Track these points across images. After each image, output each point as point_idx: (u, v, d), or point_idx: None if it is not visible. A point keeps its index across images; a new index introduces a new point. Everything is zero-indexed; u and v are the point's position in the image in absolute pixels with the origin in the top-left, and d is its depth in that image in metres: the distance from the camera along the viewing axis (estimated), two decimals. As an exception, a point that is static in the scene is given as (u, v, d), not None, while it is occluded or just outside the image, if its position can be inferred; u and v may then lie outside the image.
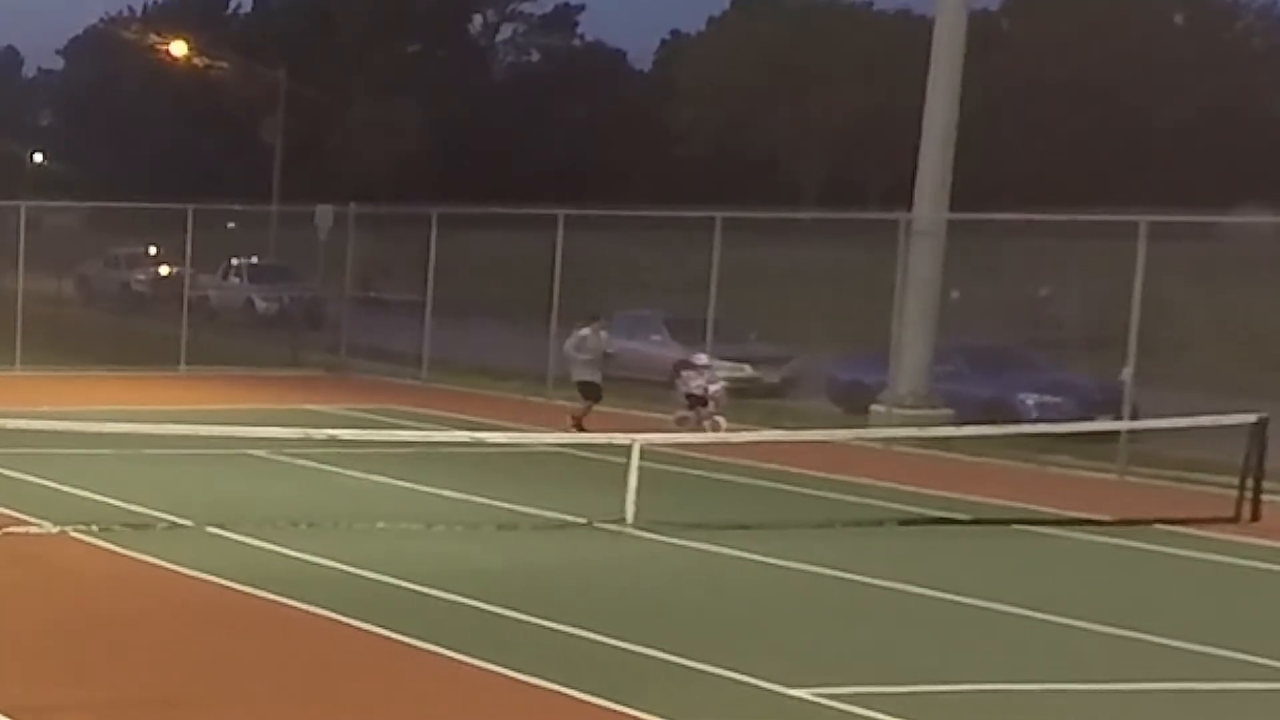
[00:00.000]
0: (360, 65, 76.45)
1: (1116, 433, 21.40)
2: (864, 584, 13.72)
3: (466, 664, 10.64)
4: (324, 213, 36.34)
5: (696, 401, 23.65)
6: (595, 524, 15.92)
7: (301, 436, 17.15)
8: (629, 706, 9.71)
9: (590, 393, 24.20)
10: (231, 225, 47.28)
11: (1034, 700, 10.38)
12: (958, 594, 13.29)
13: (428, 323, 31.63)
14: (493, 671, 10.44)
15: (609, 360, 25.02)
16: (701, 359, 24.36)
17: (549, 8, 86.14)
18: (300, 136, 60.66)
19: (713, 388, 23.92)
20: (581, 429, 22.61)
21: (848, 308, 29.93)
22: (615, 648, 11.15)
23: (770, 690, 10.20)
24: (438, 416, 24.50)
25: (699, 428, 22.87)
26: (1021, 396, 25.29)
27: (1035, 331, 31.27)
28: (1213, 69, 60.15)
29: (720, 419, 23.30)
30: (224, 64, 67.04)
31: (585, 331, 24.55)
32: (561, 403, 28.23)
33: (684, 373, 24.31)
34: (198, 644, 11.13)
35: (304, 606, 12.02)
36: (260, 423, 19.31)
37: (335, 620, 11.70)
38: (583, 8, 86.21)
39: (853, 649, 11.54)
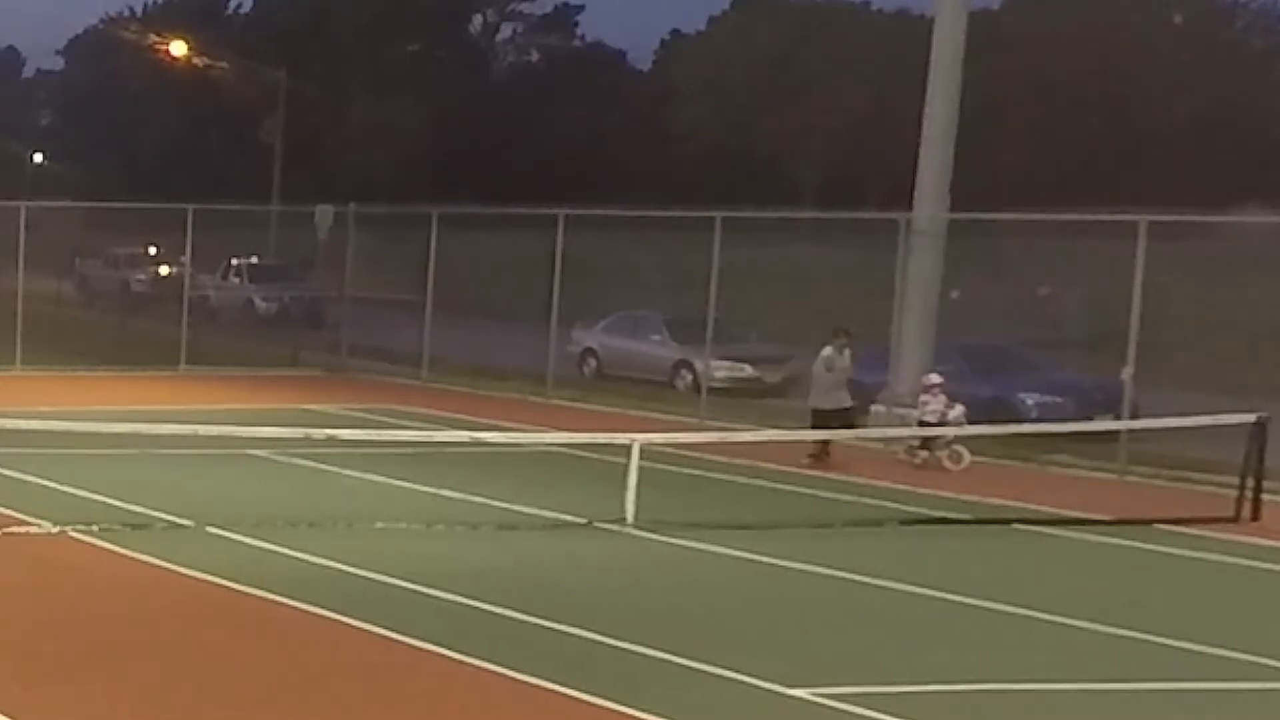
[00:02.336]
0: (360, 65, 76.46)
1: (1116, 432, 21.42)
2: (864, 584, 13.73)
3: (466, 664, 10.64)
4: (324, 213, 36.37)
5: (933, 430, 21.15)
6: (595, 524, 15.93)
7: (301, 436, 17.17)
8: (629, 706, 9.70)
9: (830, 420, 21.13)
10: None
11: (1034, 700, 10.38)
12: (958, 594, 13.29)
13: (428, 323, 31.64)
14: (493, 671, 10.44)
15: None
16: (935, 379, 21.65)
17: (549, 8, 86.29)
18: (300, 136, 60.69)
19: (952, 413, 21.16)
20: (817, 457, 20.84)
21: (848, 308, 29.91)
22: (615, 648, 11.15)
23: (770, 690, 10.20)
24: (438, 416, 24.50)
25: (932, 460, 21.00)
26: (1021, 396, 25.30)
27: (1035, 331, 31.28)
28: (1213, 69, 60.09)
29: (962, 449, 20.97)
30: (224, 64, 67.07)
31: (829, 351, 21.74)
32: (560, 402, 28.30)
33: (921, 396, 21.67)
34: (197, 644, 11.12)
35: (304, 606, 12.02)
36: (260, 423, 19.31)
37: (334, 620, 11.70)
38: (582, 8, 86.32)
39: (853, 649, 11.54)
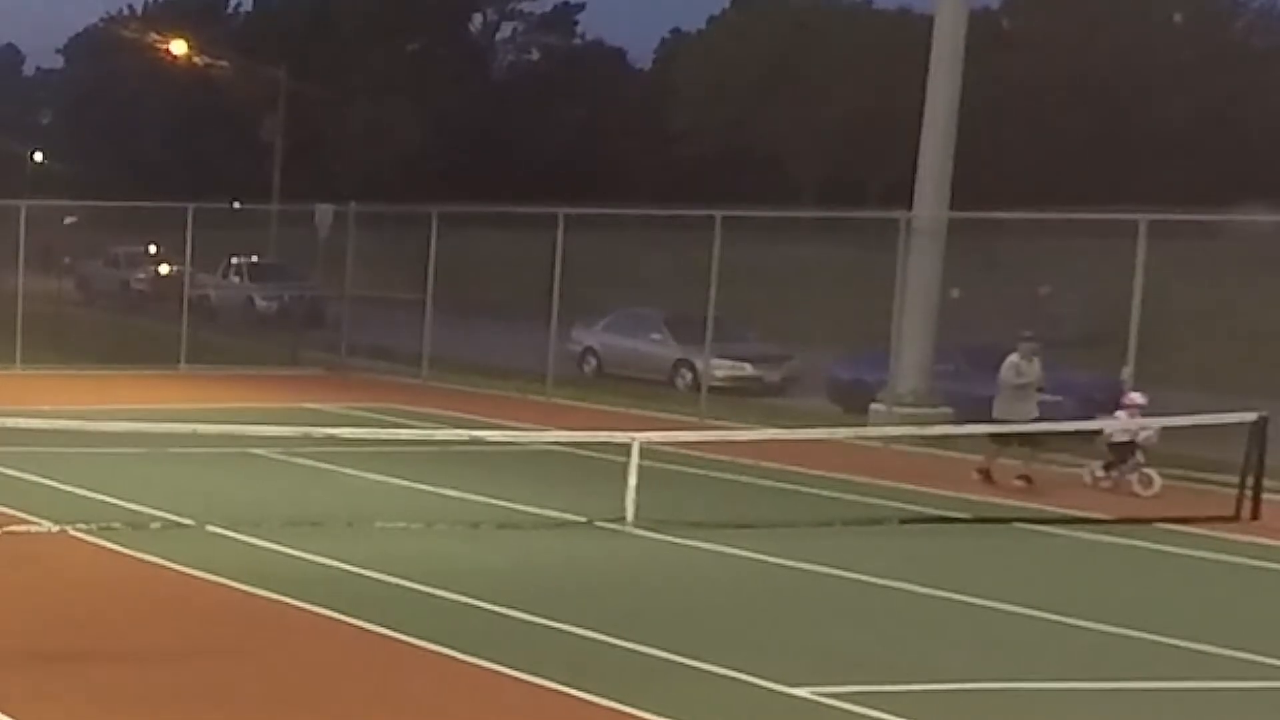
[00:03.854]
0: (360, 64, 76.46)
1: (1116, 432, 21.37)
2: (864, 583, 13.72)
3: (467, 663, 10.64)
4: (324, 212, 36.37)
5: (1124, 452, 19.70)
6: (595, 523, 15.92)
7: (301, 436, 17.19)
8: (630, 706, 9.71)
9: (1012, 435, 19.67)
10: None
11: (1034, 700, 10.38)
12: (958, 594, 13.29)
13: (428, 322, 31.64)
14: (493, 671, 10.44)
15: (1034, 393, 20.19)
16: (1137, 398, 19.76)
17: (549, 7, 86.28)
18: (300, 136, 60.67)
19: (1144, 434, 19.58)
20: (988, 475, 19.62)
21: (848, 307, 29.93)
22: (615, 647, 11.15)
23: (771, 690, 10.20)
24: (438, 416, 24.49)
25: (1123, 484, 19.60)
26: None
27: (1035, 331, 31.22)
28: (1213, 69, 60.10)
29: (1153, 473, 19.40)
30: (224, 63, 67.06)
31: (1014, 358, 20.03)
32: (560, 401, 28.30)
33: (1116, 414, 19.83)
34: (197, 643, 11.12)
35: (304, 606, 12.03)
36: (260, 422, 19.32)
37: (335, 619, 11.70)
38: (583, 7, 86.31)
39: (853, 649, 11.54)
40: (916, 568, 14.20)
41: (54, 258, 45.82)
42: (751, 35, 67.76)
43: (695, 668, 10.64)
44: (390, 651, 10.95)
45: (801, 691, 10.13)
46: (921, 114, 25.17)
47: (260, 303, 44.36)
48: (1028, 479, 19.58)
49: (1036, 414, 19.90)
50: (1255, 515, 17.61)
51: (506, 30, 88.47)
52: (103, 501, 16.15)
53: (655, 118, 70.68)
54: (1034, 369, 20.03)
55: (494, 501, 17.01)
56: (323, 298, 38.89)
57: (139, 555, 13.73)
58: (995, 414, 19.90)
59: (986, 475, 19.77)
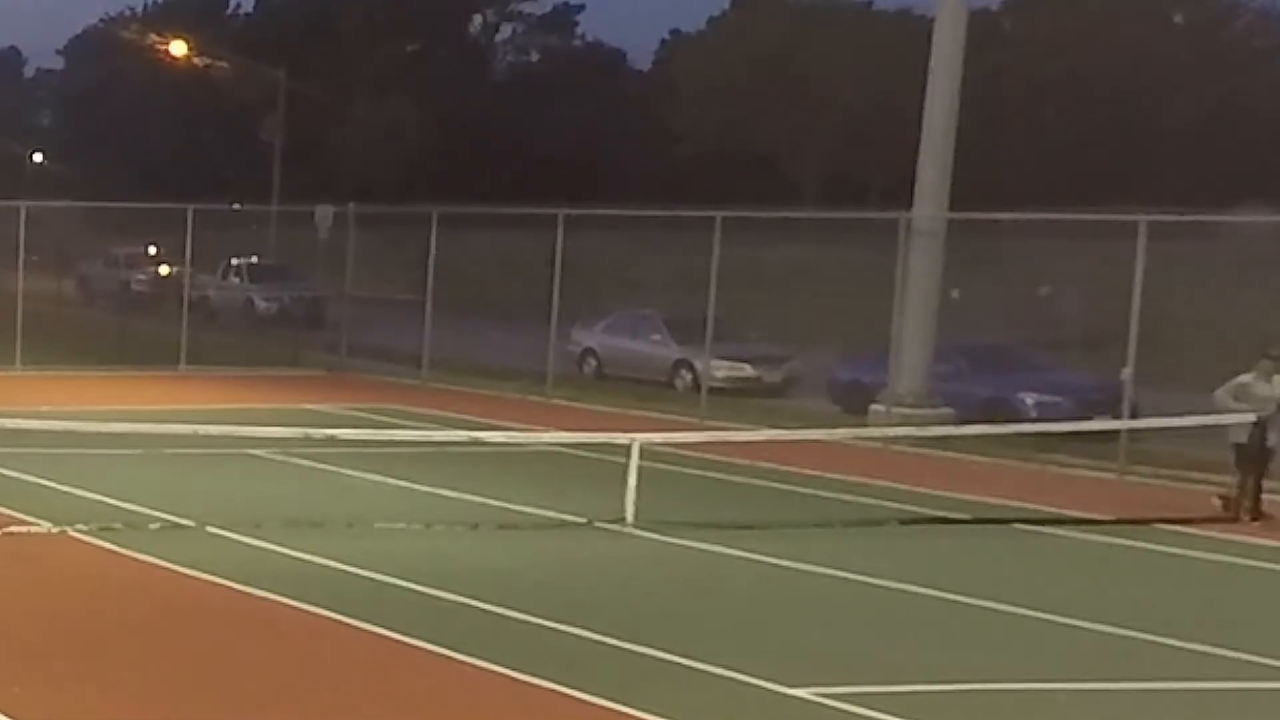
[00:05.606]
0: (360, 65, 76.50)
1: (1116, 432, 21.41)
2: (864, 584, 13.72)
3: (466, 664, 10.64)
4: (324, 212, 36.37)
5: None
6: (595, 523, 15.92)
7: (301, 436, 17.18)
8: (629, 706, 9.70)
9: (1253, 460, 17.87)
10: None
11: (1034, 700, 10.38)
12: (958, 594, 13.28)
13: (428, 323, 31.63)
14: (493, 671, 10.44)
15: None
16: None
17: (548, 7, 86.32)
18: (300, 136, 60.69)
19: None
20: (1238, 512, 17.64)
21: (848, 307, 29.93)
22: (615, 648, 11.15)
23: (770, 690, 10.20)
24: (437, 416, 24.49)
25: None
26: (1021, 396, 25.29)
27: (1035, 331, 31.27)
28: (1213, 69, 60.14)
29: None
30: (224, 64, 67.12)
31: (1246, 378, 18.00)
32: (560, 402, 28.30)
33: None
34: (197, 643, 11.12)
35: (303, 606, 12.02)
36: (260, 423, 19.30)
37: (334, 620, 11.70)
38: (582, 7, 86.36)
39: (853, 649, 11.54)
40: (916, 568, 14.20)
41: (67, 259, 45.89)
42: (751, 35, 67.72)
43: (695, 668, 10.64)
44: (389, 651, 10.94)
45: (801, 692, 10.13)
46: (921, 114, 25.17)
47: (260, 303, 44.31)
48: (1229, 500, 17.99)
49: (1272, 440, 17.90)
50: (1255, 516, 17.60)
51: (506, 31, 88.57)
52: (102, 502, 16.15)
53: (655, 118, 70.64)
54: (1272, 389, 17.83)
55: (493, 502, 17.01)
56: (323, 298, 38.87)
57: (138, 556, 13.73)
58: (1231, 438, 18.04)
59: (1242, 506, 17.83)
